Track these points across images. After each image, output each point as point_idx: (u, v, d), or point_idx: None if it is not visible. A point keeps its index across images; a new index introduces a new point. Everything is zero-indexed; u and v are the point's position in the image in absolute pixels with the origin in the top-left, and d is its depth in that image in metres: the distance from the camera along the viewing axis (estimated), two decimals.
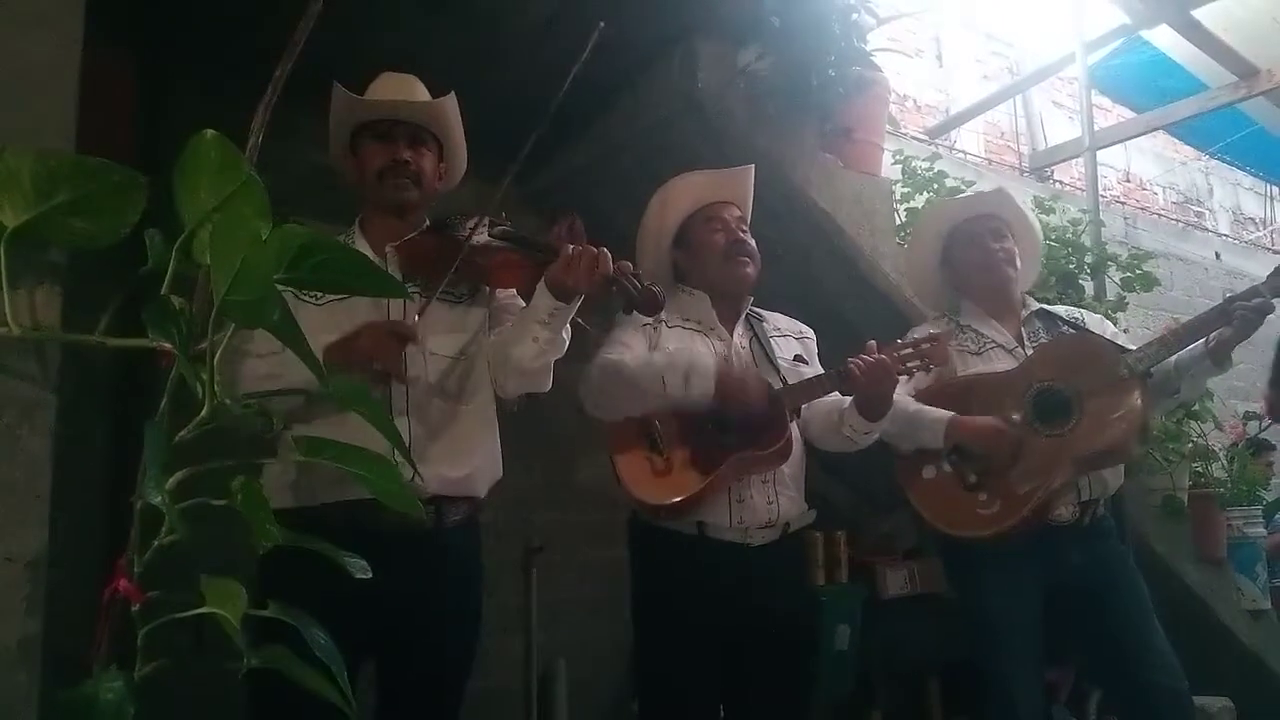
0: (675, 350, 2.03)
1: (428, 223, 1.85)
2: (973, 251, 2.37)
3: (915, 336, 2.09)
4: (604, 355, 2.02)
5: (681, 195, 2.18)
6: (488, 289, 1.91)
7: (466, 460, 1.80)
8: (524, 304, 1.88)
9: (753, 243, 2.17)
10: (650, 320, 2.08)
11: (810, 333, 2.28)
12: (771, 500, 2.02)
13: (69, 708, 0.86)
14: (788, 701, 2.03)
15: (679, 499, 1.94)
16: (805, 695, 2.08)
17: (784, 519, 2.05)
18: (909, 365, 2.00)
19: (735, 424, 1.97)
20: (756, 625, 1.98)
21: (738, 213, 2.19)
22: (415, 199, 1.86)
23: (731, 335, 2.15)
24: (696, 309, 2.14)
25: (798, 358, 2.17)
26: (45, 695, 1.08)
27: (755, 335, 2.16)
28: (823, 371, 2.08)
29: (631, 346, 2.05)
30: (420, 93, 1.89)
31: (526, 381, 1.83)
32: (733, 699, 2.05)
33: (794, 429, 2.05)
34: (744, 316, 2.19)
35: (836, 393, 2.04)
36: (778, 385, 2.04)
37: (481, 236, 1.77)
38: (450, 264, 1.73)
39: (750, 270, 2.14)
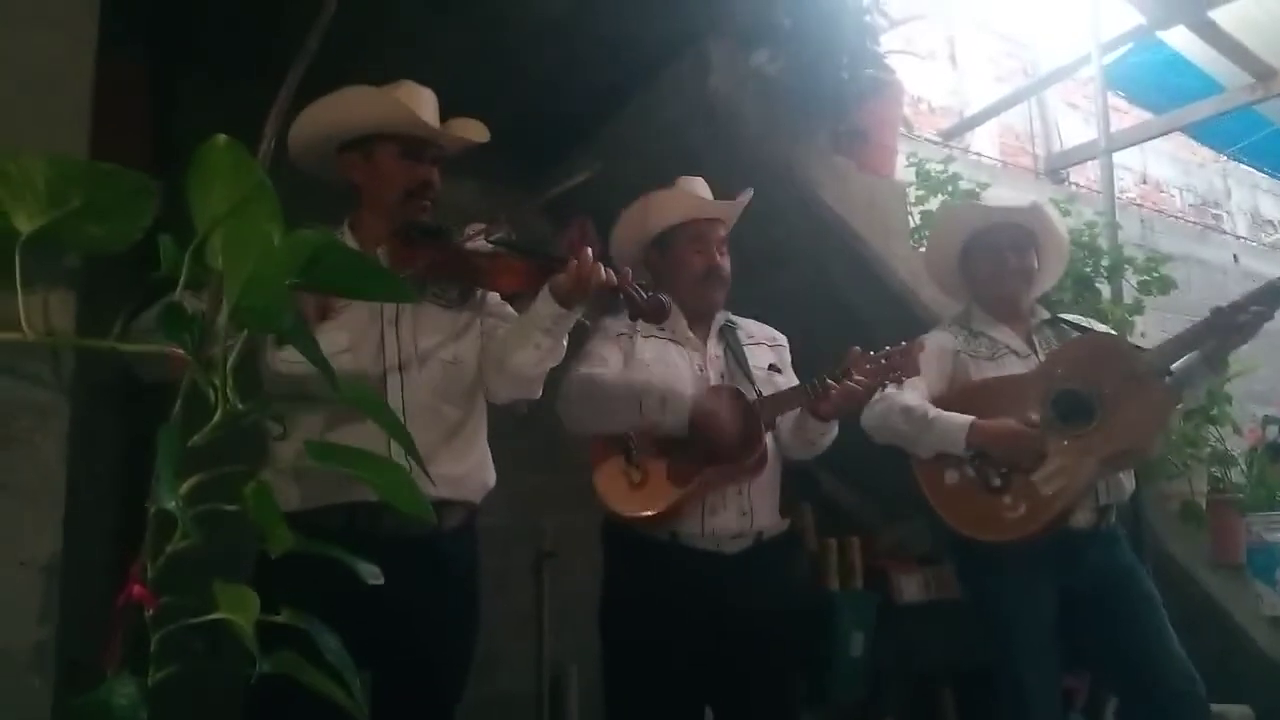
0: (655, 368, 2.03)
1: (417, 226, 1.83)
2: (989, 261, 2.37)
3: (888, 349, 2.05)
4: (579, 370, 2.02)
5: (672, 204, 2.19)
6: (479, 294, 1.90)
7: (462, 462, 1.80)
8: (513, 310, 1.88)
9: (728, 267, 2.19)
10: (626, 330, 2.08)
11: (783, 340, 2.29)
12: (745, 511, 2.02)
13: (83, 713, 0.85)
14: (771, 708, 2.01)
15: (653, 513, 1.94)
16: (789, 701, 2.07)
17: (757, 528, 2.04)
18: (888, 377, 1.99)
19: (711, 437, 1.96)
20: (735, 631, 1.97)
21: (723, 232, 2.21)
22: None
23: (705, 345, 2.15)
24: (670, 320, 2.12)
25: (772, 366, 2.18)
26: (59, 700, 1.08)
27: (729, 345, 2.16)
28: (798, 383, 2.08)
29: (608, 360, 2.05)
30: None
31: (520, 388, 1.83)
32: (720, 704, 2.05)
33: (769, 440, 2.05)
34: (718, 327, 2.19)
35: None
36: (752, 395, 2.03)
37: (480, 243, 1.77)
38: (442, 267, 1.73)
39: (721, 296, 2.19)
